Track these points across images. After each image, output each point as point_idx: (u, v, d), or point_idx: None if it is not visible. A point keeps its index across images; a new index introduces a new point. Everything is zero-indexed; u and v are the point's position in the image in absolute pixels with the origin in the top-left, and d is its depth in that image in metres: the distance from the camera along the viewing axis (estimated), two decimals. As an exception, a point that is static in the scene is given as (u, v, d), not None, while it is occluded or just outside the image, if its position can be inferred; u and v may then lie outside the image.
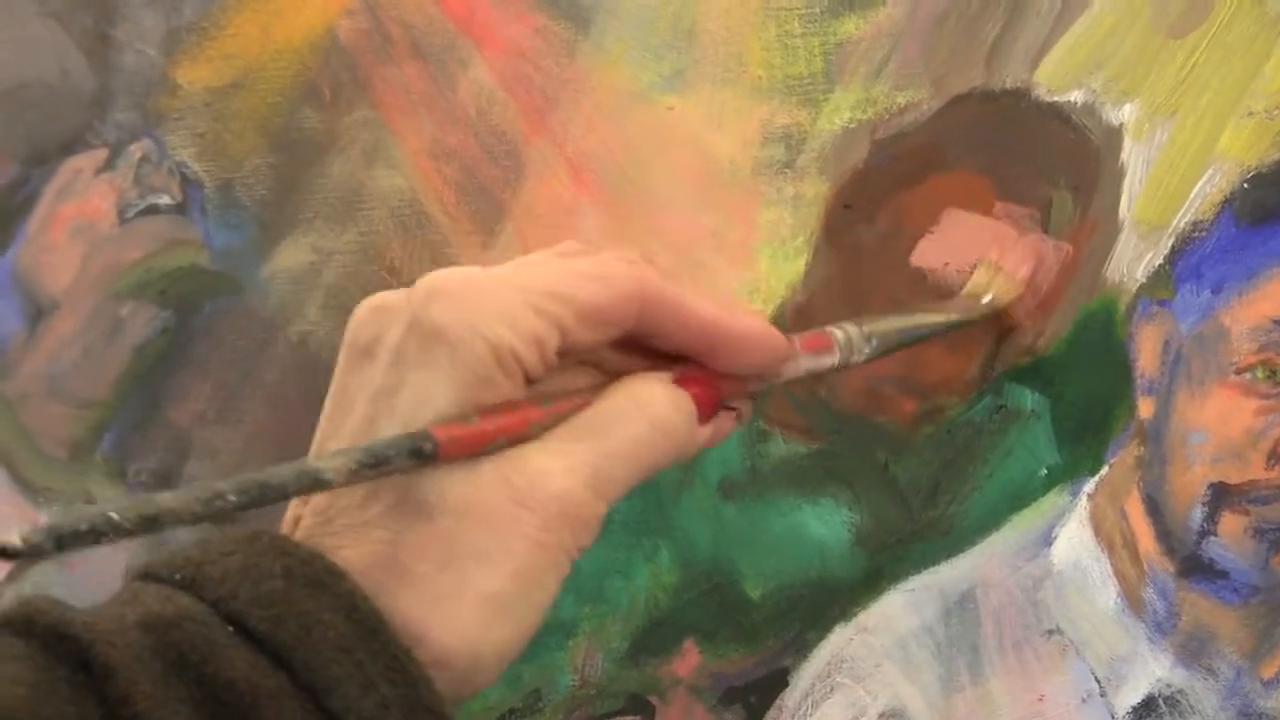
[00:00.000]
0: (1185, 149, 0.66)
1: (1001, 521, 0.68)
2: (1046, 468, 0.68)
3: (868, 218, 0.72)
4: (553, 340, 0.55)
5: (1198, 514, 0.65)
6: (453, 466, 0.53)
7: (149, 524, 0.48)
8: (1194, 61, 0.67)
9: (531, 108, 0.79)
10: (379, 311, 0.55)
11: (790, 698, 0.72)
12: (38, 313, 0.90)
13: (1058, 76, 0.69)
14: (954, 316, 0.68)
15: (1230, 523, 0.64)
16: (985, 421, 0.69)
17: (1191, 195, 0.66)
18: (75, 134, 0.89)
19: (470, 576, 0.53)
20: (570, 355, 0.56)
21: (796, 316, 0.73)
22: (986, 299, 0.69)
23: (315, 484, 0.51)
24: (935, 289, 0.70)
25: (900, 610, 0.70)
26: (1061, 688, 0.67)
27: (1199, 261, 0.65)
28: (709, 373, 0.58)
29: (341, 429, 0.55)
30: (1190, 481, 0.65)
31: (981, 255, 0.70)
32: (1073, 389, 0.68)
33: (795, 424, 0.73)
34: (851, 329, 0.63)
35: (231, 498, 0.49)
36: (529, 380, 0.55)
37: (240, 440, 0.85)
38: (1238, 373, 0.64)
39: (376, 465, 0.52)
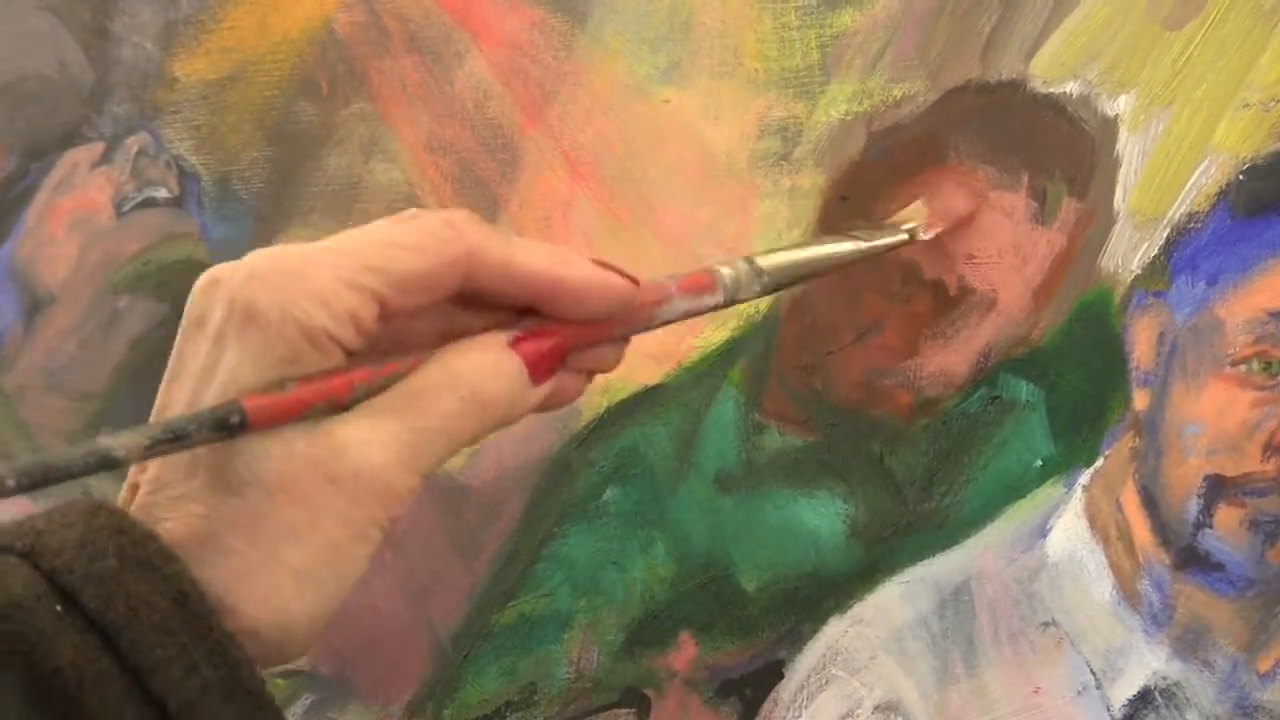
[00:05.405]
0: (1181, 140, 0.66)
1: (996, 513, 0.68)
2: (1041, 459, 0.68)
3: (864, 210, 0.72)
4: (369, 313, 0.55)
5: (1193, 506, 0.64)
6: (267, 440, 0.54)
7: None
8: (1189, 53, 0.67)
9: (528, 101, 0.79)
10: (211, 286, 0.56)
11: (785, 690, 0.72)
12: (35, 306, 0.90)
13: (1053, 68, 0.69)
14: (861, 245, 0.67)
15: (1226, 515, 0.64)
16: (980, 413, 0.69)
17: (1187, 187, 0.66)
18: (73, 127, 0.89)
19: (279, 551, 0.54)
20: (401, 319, 0.57)
21: (793, 308, 0.73)
22: (906, 227, 0.68)
23: (105, 463, 0.51)
24: (931, 281, 0.70)
25: (895, 602, 0.70)
26: (1057, 680, 0.66)
27: (1194, 253, 0.65)
28: (549, 329, 0.58)
29: (174, 399, 0.56)
30: (1186, 473, 0.65)
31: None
32: (1068, 380, 0.67)
33: (791, 416, 0.73)
34: (742, 265, 0.63)
35: (10, 482, 0.49)
36: (350, 351, 0.55)
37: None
38: (1233, 365, 0.64)
39: (175, 440, 0.52)
